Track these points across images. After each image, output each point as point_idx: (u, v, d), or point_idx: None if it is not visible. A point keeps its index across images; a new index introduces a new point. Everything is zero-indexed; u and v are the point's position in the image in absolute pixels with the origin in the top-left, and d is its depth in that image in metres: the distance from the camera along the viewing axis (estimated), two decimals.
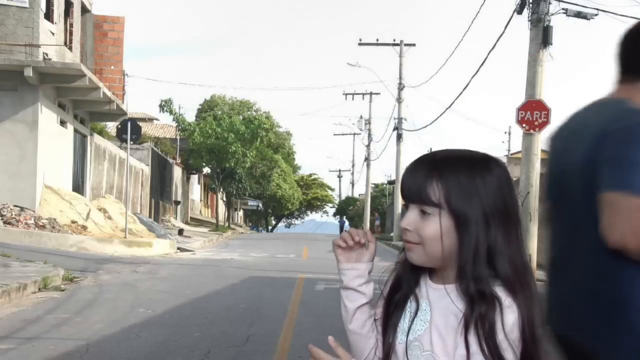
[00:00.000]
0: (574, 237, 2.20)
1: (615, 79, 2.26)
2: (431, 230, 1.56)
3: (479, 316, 1.52)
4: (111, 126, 32.10)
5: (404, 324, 1.64)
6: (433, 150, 1.83)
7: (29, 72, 17.56)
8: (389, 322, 1.68)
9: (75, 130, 22.05)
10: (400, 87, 37.44)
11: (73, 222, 19.22)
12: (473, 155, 1.61)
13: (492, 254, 1.55)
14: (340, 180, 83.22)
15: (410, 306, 1.65)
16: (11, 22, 18.74)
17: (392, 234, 39.54)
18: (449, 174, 1.56)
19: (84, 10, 23.60)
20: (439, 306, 1.61)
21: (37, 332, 7.13)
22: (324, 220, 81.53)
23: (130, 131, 19.95)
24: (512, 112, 15.76)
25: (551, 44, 15.05)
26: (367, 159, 51.23)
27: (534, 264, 15.39)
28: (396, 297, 1.67)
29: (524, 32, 32.91)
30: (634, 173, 1.99)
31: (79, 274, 12.23)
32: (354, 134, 61.49)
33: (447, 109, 37.74)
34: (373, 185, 59.87)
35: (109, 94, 21.17)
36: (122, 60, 24.89)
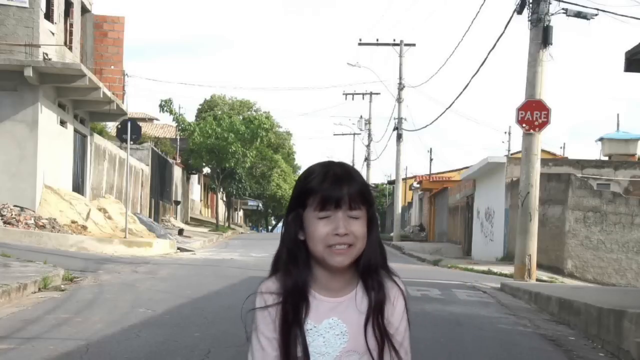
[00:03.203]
0: None
1: None
2: (362, 230, 1.83)
3: (377, 303, 1.84)
4: (111, 126, 32.09)
5: (317, 346, 1.83)
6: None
7: (29, 72, 17.55)
8: (296, 350, 1.82)
9: (75, 130, 22.05)
10: (400, 87, 37.45)
11: (73, 222, 19.22)
12: None
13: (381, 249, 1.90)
14: None
15: (316, 328, 1.84)
16: (11, 22, 18.74)
17: (392, 234, 39.52)
18: (362, 181, 1.87)
19: (84, 10, 23.59)
20: (349, 313, 1.85)
21: (37, 332, 7.12)
22: None
23: (130, 131, 19.94)
24: (512, 112, 15.77)
25: (551, 44, 15.06)
26: (367, 159, 51.29)
27: (533, 263, 15.38)
28: (293, 325, 1.83)
29: (524, 32, 32.91)
30: None
31: (79, 274, 12.22)
32: (354, 134, 61.52)
33: (447, 109, 37.86)
34: (373, 185, 59.84)
35: (109, 94, 21.16)
36: (122, 60, 24.88)
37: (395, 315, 1.87)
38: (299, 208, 1.86)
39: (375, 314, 1.84)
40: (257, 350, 1.86)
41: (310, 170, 1.87)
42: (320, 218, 1.81)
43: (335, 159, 1.95)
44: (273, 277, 1.89)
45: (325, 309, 1.84)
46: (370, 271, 1.86)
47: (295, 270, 1.84)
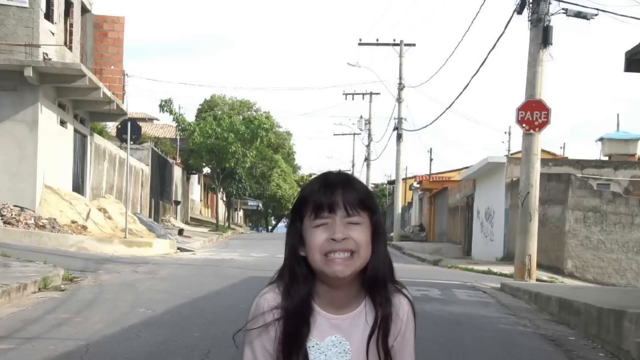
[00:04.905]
0: None
1: None
2: (364, 237, 1.73)
3: (382, 320, 1.78)
4: (111, 126, 32.09)
5: None
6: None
7: (29, 72, 17.55)
8: None
9: (75, 130, 22.04)
10: (400, 87, 37.44)
11: (73, 222, 19.21)
12: None
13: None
14: None
15: (318, 345, 1.78)
16: (11, 22, 18.73)
17: (392, 234, 39.53)
18: (361, 187, 1.79)
19: (84, 10, 23.59)
20: (353, 331, 1.79)
21: (37, 332, 7.12)
22: None
23: (130, 131, 19.94)
24: (512, 112, 15.77)
25: (551, 44, 15.05)
26: (367, 159, 51.27)
27: (533, 263, 15.38)
28: (295, 344, 1.77)
29: (524, 32, 32.92)
30: None
31: (79, 274, 12.22)
32: (354, 134, 61.52)
33: (447, 109, 37.87)
34: (373, 185, 59.99)
35: (109, 94, 21.15)
36: (122, 60, 24.88)
37: (407, 333, 1.83)
38: (297, 221, 1.79)
39: (380, 331, 1.78)
40: None
41: (307, 182, 1.84)
42: (316, 226, 1.73)
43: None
44: (275, 289, 1.80)
45: (329, 326, 1.78)
46: (377, 285, 1.78)
47: (295, 288, 1.76)
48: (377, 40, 37.92)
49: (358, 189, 1.77)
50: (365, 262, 1.75)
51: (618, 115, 48.44)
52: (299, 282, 1.76)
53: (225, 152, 37.28)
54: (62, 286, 10.60)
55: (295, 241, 1.78)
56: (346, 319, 1.79)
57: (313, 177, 1.86)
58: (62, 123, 20.74)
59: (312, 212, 1.74)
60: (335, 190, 1.75)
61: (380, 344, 1.78)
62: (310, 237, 1.74)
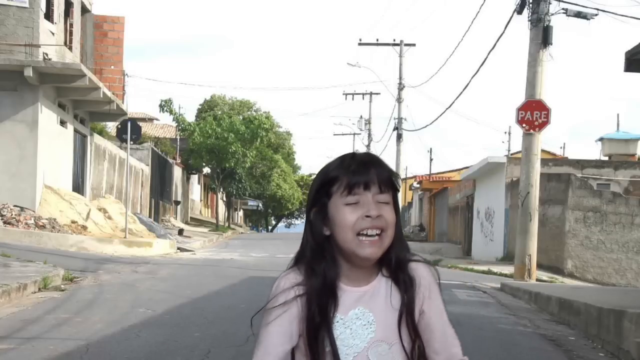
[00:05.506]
0: None
1: None
2: (393, 216, 1.77)
3: (410, 300, 1.77)
4: (111, 126, 32.09)
5: (344, 338, 1.76)
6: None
7: (29, 72, 17.55)
8: (327, 342, 1.75)
9: (75, 130, 22.04)
10: (400, 87, 37.43)
11: (73, 222, 19.21)
12: None
13: None
14: None
15: (342, 320, 1.76)
16: (11, 22, 18.73)
17: None
18: (389, 166, 1.81)
19: (84, 10, 23.58)
20: (374, 302, 1.78)
21: (37, 332, 7.12)
22: None
23: (130, 131, 19.95)
24: (512, 112, 15.77)
25: (551, 44, 15.06)
26: None
27: (533, 263, 15.38)
28: (324, 321, 1.74)
29: (524, 32, 32.95)
30: None
31: (79, 274, 12.22)
32: (354, 134, 61.45)
33: (447, 109, 37.83)
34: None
35: (109, 94, 21.15)
36: (122, 60, 24.88)
37: (432, 294, 1.81)
38: (323, 198, 1.77)
39: (409, 310, 1.78)
40: (261, 342, 1.75)
41: (332, 161, 1.81)
42: (347, 204, 1.73)
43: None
44: (296, 270, 1.79)
45: (351, 300, 1.77)
46: (400, 265, 1.79)
47: (323, 266, 1.75)
48: (377, 40, 37.92)
49: (387, 168, 1.80)
50: (391, 241, 1.76)
51: (618, 115, 48.49)
52: (327, 260, 1.76)
53: (225, 152, 37.29)
54: (62, 286, 10.60)
55: (321, 219, 1.77)
56: (367, 290, 1.78)
57: (337, 156, 1.83)
58: (62, 123, 20.74)
59: (345, 189, 1.74)
60: (368, 167, 1.76)
61: (410, 322, 1.78)
62: (341, 215, 1.73)
